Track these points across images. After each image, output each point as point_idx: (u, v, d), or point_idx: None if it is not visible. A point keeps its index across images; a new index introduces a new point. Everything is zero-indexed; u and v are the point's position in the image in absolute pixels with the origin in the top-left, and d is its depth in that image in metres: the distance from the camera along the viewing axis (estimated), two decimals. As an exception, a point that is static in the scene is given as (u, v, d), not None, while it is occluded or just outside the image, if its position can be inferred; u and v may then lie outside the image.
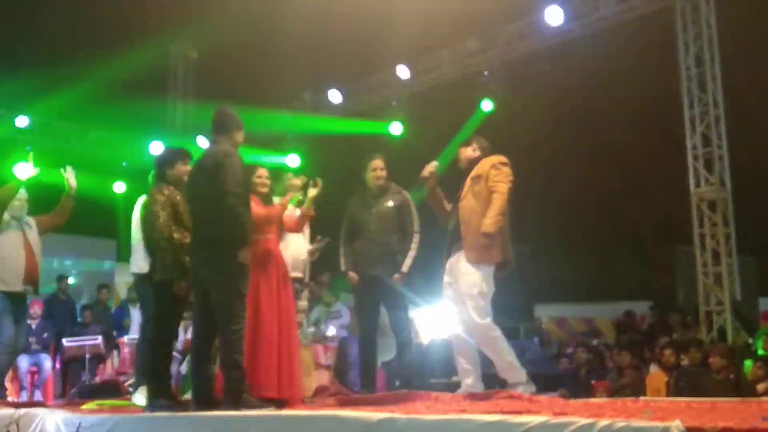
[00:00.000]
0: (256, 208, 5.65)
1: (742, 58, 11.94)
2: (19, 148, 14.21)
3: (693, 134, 10.88)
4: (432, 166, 5.97)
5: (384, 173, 6.76)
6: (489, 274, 5.61)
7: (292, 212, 6.49)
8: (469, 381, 5.62)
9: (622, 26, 11.76)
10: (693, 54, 10.95)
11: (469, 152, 5.92)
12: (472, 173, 5.72)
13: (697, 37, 10.96)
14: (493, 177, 5.60)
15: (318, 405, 5.37)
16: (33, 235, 7.40)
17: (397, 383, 6.81)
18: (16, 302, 7.27)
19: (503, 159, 5.74)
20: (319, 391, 6.26)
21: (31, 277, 7.33)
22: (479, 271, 5.55)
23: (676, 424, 3.09)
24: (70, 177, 7.44)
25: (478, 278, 5.54)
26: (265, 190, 5.93)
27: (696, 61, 10.93)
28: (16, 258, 7.21)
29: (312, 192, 6.23)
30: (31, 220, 7.45)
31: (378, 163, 6.76)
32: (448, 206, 5.98)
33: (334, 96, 14.36)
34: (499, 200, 5.52)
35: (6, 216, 7.23)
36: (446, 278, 5.77)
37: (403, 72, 13.57)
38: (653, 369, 9.32)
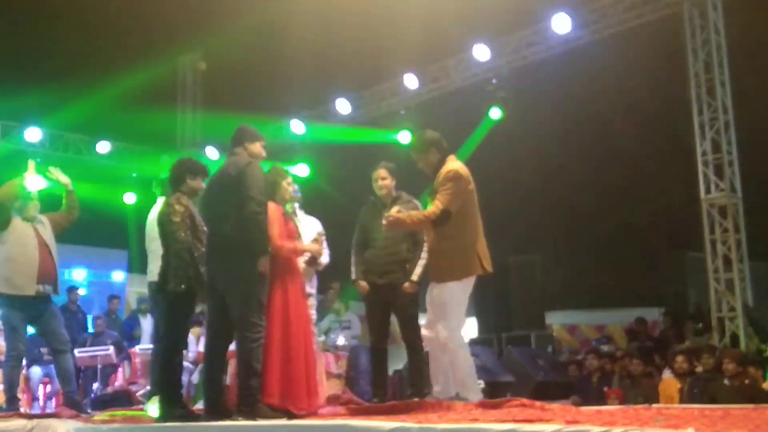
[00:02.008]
0: (282, 222, 5.69)
1: (750, 63, 11.93)
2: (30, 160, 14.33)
3: (703, 140, 10.85)
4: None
5: (387, 182, 6.71)
6: (459, 289, 5.59)
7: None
8: (438, 388, 5.63)
9: (631, 33, 11.75)
10: (702, 60, 10.93)
11: (431, 158, 5.79)
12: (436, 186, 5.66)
13: (705, 43, 10.94)
14: (440, 188, 5.56)
15: (329, 414, 5.37)
16: (47, 233, 7.26)
17: (408, 392, 6.80)
18: (33, 308, 7.06)
19: (454, 171, 5.61)
20: (331, 400, 6.26)
21: (47, 277, 7.11)
22: (446, 287, 5.56)
23: (690, 431, 3.08)
24: (57, 175, 7.38)
25: (444, 292, 5.55)
26: (288, 197, 5.96)
27: (705, 67, 10.91)
28: (28, 258, 7.01)
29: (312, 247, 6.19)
30: (44, 219, 7.33)
31: (381, 172, 6.73)
32: None
33: (342, 105, 14.36)
34: (433, 211, 5.48)
35: (16, 216, 7.10)
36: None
37: (410, 80, 13.59)
38: (666, 376, 9.29)
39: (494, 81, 13.00)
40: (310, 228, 6.67)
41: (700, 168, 10.82)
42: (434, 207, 5.51)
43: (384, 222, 5.62)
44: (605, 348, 12.01)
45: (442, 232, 5.56)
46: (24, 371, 10.56)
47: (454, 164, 5.69)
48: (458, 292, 5.58)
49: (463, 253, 5.58)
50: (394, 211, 5.68)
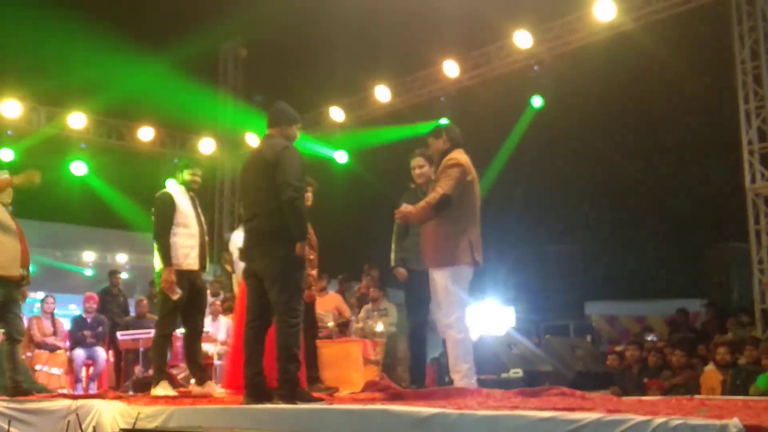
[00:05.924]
0: None
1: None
2: (73, 145, 14.55)
3: (749, 129, 10.68)
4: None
5: (425, 170, 6.64)
6: (456, 274, 5.65)
7: None
8: (458, 377, 5.64)
9: (676, 19, 11.55)
10: (748, 47, 10.73)
11: (440, 144, 5.89)
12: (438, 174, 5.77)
13: (752, 30, 10.74)
14: (439, 179, 5.67)
15: (367, 399, 5.38)
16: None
17: (447, 379, 6.79)
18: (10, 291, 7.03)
19: (455, 159, 5.71)
20: (368, 386, 6.28)
21: (26, 261, 7.09)
22: (443, 273, 5.64)
23: (735, 422, 3.03)
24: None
25: (442, 278, 5.62)
26: None
27: (751, 54, 10.72)
28: (10, 241, 6.97)
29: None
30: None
31: (418, 161, 6.68)
32: None
33: (383, 92, 14.30)
34: (433, 196, 5.57)
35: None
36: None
37: (451, 67, 13.50)
38: (708, 367, 9.18)
39: (536, 68, 12.88)
40: None
41: (746, 157, 10.66)
42: (435, 193, 5.63)
43: (396, 217, 5.67)
44: (649, 337, 11.88)
45: (436, 218, 5.65)
46: (67, 353, 10.78)
47: (456, 154, 5.79)
48: (448, 279, 5.64)
49: (453, 241, 5.65)
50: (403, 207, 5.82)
